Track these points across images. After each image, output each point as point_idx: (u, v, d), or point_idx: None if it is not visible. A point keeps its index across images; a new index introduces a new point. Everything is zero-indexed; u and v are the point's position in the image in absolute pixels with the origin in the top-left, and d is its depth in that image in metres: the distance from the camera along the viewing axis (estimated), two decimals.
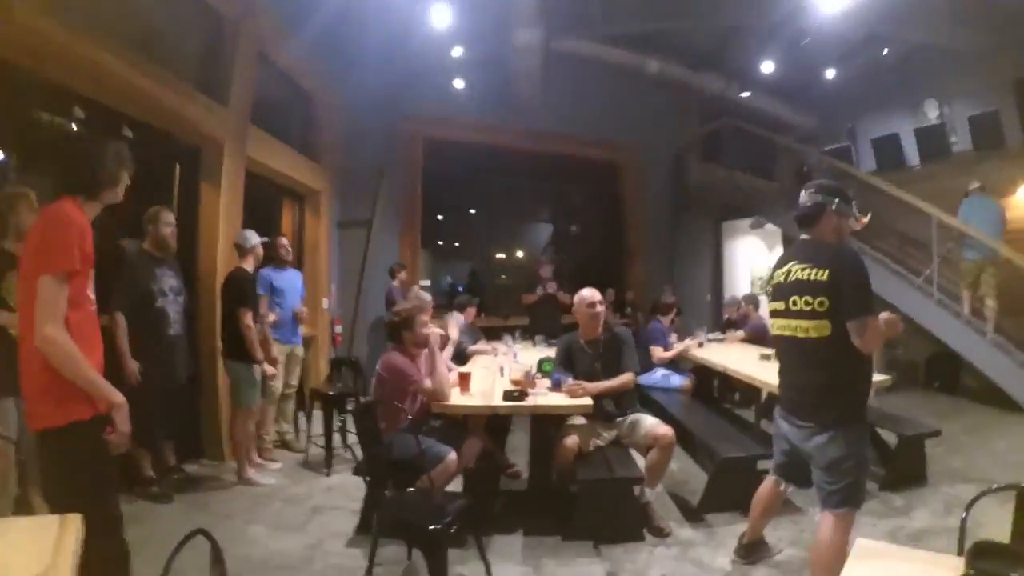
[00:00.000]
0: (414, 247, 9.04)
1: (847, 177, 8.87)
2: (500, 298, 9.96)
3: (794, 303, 2.69)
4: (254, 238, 4.75)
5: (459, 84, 8.90)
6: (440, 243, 11.99)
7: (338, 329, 7.69)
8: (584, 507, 3.62)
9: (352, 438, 5.45)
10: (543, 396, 3.82)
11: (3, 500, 2.80)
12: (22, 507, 2.90)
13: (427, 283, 8.93)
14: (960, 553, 1.72)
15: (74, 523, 1.61)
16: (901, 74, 10.22)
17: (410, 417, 3.60)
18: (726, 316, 8.16)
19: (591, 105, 10.08)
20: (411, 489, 3.18)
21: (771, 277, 2.94)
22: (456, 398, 3.77)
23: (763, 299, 8.18)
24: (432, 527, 2.61)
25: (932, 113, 10.03)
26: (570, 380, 3.93)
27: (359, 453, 5.13)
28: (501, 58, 8.58)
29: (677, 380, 6.24)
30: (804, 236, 2.88)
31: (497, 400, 3.72)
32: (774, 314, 2.89)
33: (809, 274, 2.65)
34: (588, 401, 3.73)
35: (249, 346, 4.47)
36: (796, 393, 2.81)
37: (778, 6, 8.38)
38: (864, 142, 11.00)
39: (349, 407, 5.21)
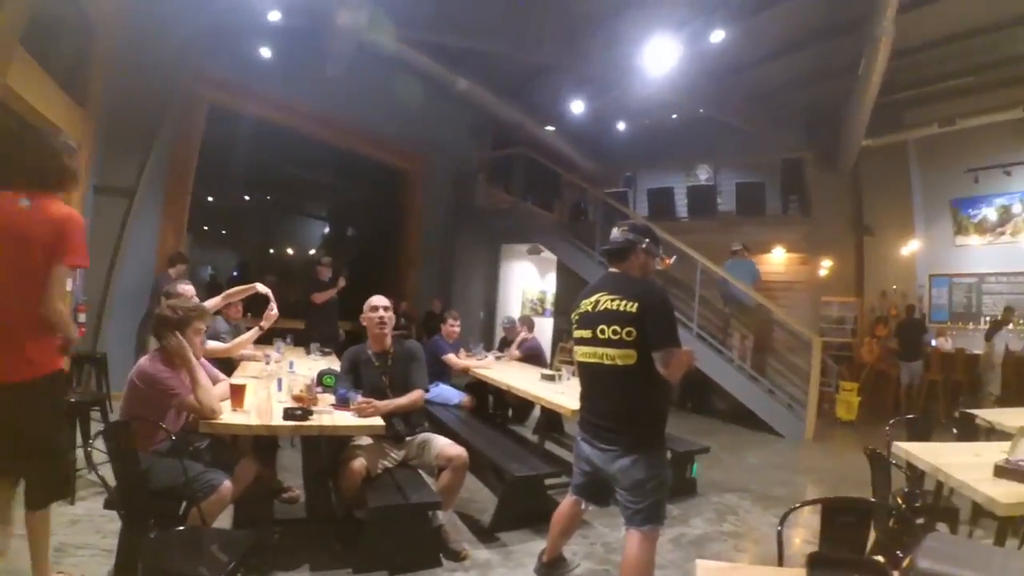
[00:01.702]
0: (179, 229, 7.77)
1: (624, 219, 9.73)
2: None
3: (602, 331, 2.80)
4: None
5: (265, 52, 8.15)
6: (205, 228, 10.86)
7: (82, 318, 6.36)
8: (375, 535, 3.36)
9: (100, 456, 4.60)
10: (328, 415, 3.40)
11: None
12: None
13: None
14: (780, 562, 2.05)
15: None
16: (682, 137, 11.86)
17: (172, 437, 2.97)
18: (503, 335, 8.38)
19: (391, 106, 9.96)
20: (180, 528, 2.67)
21: (577, 306, 3.02)
22: (228, 415, 3.18)
23: (537, 321, 8.67)
24: None
25: (703, 175, 11.67)
26: (359, 397, 3.61)
27: (110, 477, 4.38)
28: (313, 34, 8.09)
29: (456, 396, 6.27)
30: (613, 269, 3.01)
31: (277, 419, 3.21)
32: (580, 341, 2.96)
33: (619, 305, 2.77)
34: (380, 421, 3.43)
35: None
36: (600, 418, 2.89)
37: (604, 57, 9.19)
38: (641, 190, 12.32)
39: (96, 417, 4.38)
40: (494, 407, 7.18)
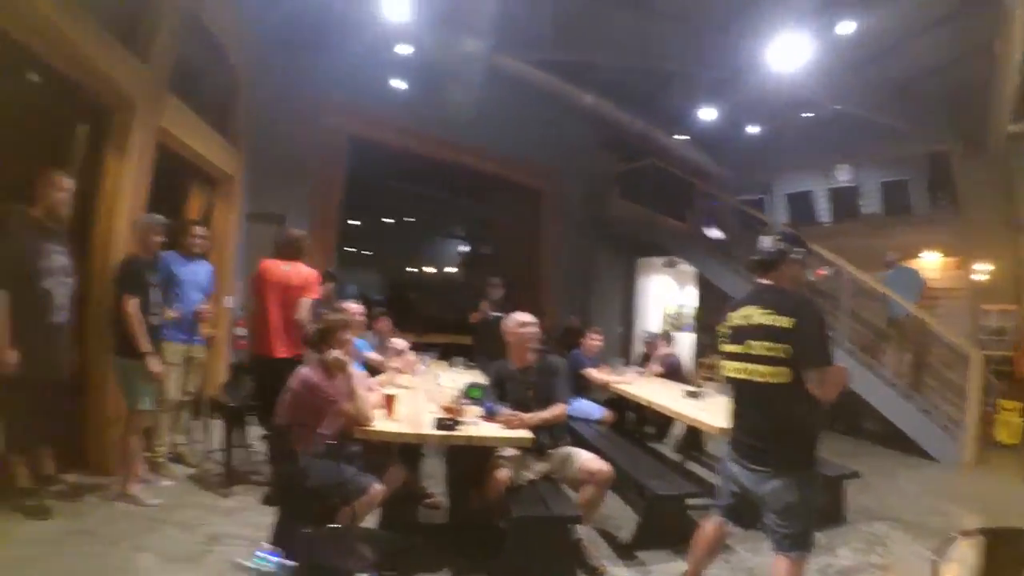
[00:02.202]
0: (328, 251, 8.35)
1: (762, 226, 9.27)
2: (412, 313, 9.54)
3: (752, 347, 2.70)
4: (144, 219, 4.21)
5: (399, 84, 8.57)
6: (350, 249, 11.48)
7: (241, 332, 6.92)
8: (516, 545, 3.33)
9: (256, 456, 4.92)
10: (476, 426, 3.53)
11: None
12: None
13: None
14: None
15: None
16: (819, 137, 11.00)
17: (330, 441, 3.19)
18: (644, 351, 8.18)
19: (522, 127, 10.09)
20: (332, 526, 2.80)
21: (726, 319, 2.91)
22: (381, 423, 3.39)
23: (675, 336, 8.38)
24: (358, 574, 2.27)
25: (843, 176, 10.79)
26: (505, 410, 3.68)
27: (263, 473, 4.66)
28: (443, 64, 8.35)
29: (597, 412, 6.13)
30: (763, 281, 2.87)
31: (428, 428, 3.37)
32: (729, 356, 2.85)
33: (772, 320, 2.65)
34: (528, 434, 3.50)
35: (132, 337, 3.88)
36: (751, 437, 2.77)
37: (730, 60, 8.78)
38: (778, 196, 11.61)
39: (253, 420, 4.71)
40: (634, 424, 6.99)
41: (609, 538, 4.12)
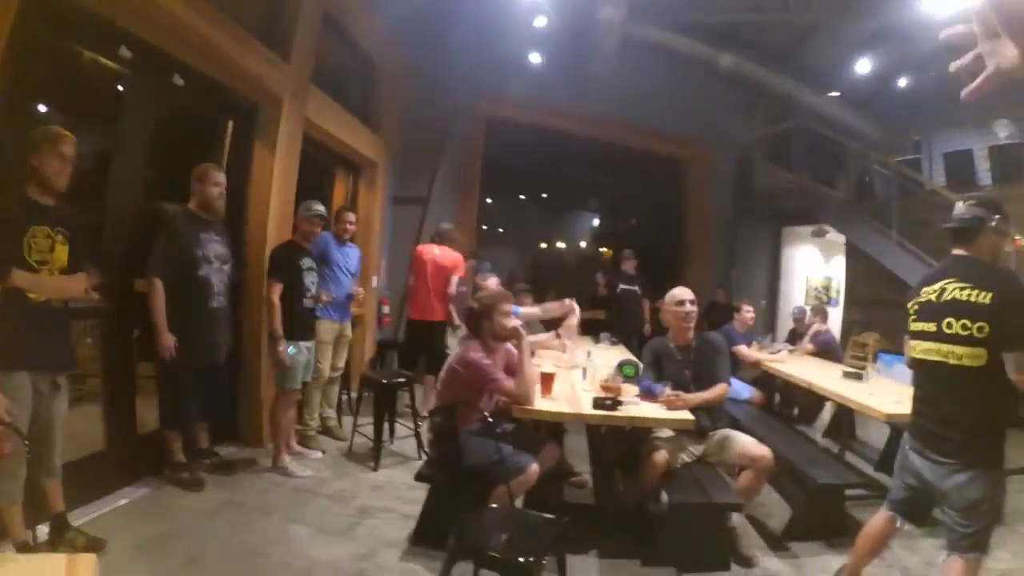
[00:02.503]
0: (470, 231, 8.52)
1: (920, 190, 8.49)
2: (548, 289, 9.50)
3: (948, 325, 2.44)
4: (304, 209, 4.45)
5: (535, 59, 8.52)
6: (484, 228, 11.63)
7: (385, 310, 7.30)
8: (670, 531, 3.26)
9: (401, 430, 5.11)
10: (636, 406, 3.42)
11: (13, 483, 2.49)
12: (30, 491, 2.61)
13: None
14: None
15: (87, 564, 1.53)
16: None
17: (489, 419, 3.15)
18: (793, 327, 7.77)
19: (660, 96, 9.60)
20: (496, 507, 2.80)
21: (917, 294, 2.67)
22: (539, 402, 3.36)
23: (828, 311, 7.79)
24: (524, 559, 2.20)
25: (1003, 132, 9.51)
26: (667, 390, 3.55)
27: (409, 449, 4.87)
28: (579, 34, 8.20)
29: (747, 391, 5.85)
30: (958, 251, 2.61)
31: (587, 408, 3.31)
32: (919, 335, 2.62)
33: (969, 295, 2.41)
34: (689, 415, 3.36)
35: (269, 321, 4.15)
36: (939, 426, 2.53)
37: (876, 6, 8.04)
38: (936, 155, 10.44)
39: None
40: (780, 404, 6.69)
41: (759, 526, 3.92)
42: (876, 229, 8.87)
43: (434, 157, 8.05)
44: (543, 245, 11.85)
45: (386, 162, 7.31)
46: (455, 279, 5.85)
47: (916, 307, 2.66)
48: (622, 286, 7.91)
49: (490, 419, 3.11)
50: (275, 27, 4.91)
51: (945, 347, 2.47)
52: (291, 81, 4.89)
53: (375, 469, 4.46)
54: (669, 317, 3.93)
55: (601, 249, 8.03)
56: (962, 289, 2.44)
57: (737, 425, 4.91)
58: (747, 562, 3.35)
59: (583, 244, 13.07)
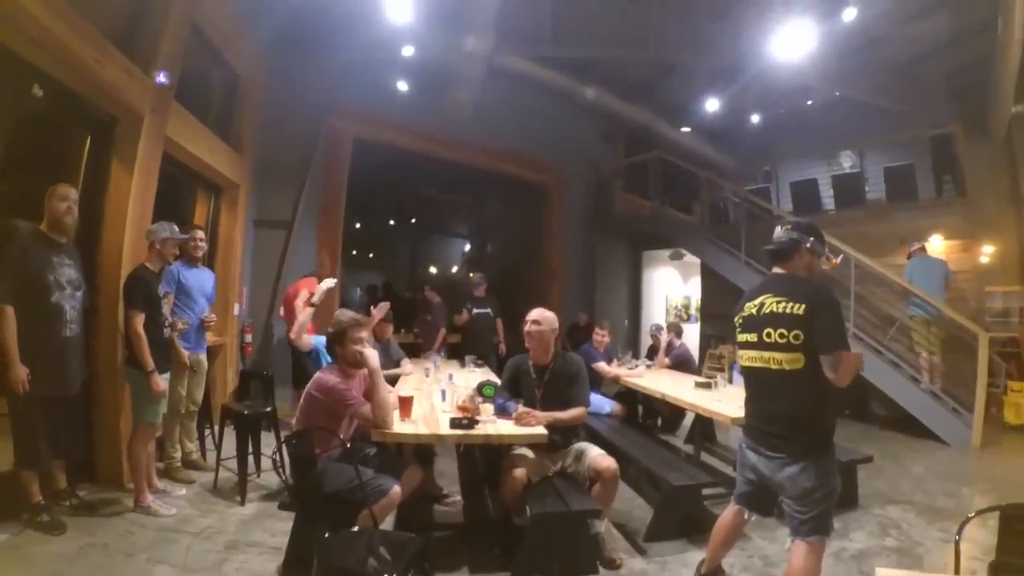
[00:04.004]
0: (334, 254, 8.32)
1: (769, 216, 9.27)
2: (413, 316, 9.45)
3: (768, 335, 2.73)
4: (163, 231, 4.15)
5: (402, 86, 8.57)
6: (354, 252, 11.47)
7: (248, 339, 6.99)
8: (535, 540, 3.34)
9: (266, 463, 4.92)
10: (493, 424, 3.50)
11: None
12: None
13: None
14: (956, 572, 1.92)
15: None
16: (820, 122, 10.96)
17: (347, 444, 3.17)
18: (652, 343, 8.19)
19: (523, 124, 10.05)
20: (354, 530, 2.78)
21: (741, 309, 2.94)
22: (398, 425, 3.37)
23: (684, 327, 8.35)
24: None
25: (847, 163, 10.74)
26: (519, 407, 3.63)
27: (275, 480, 4.70)
28: (445, 63, 8.37)
29: (608, 405, 6.16)
30: (777, 270, 2.92)
31: (444, 428, 3.37)
32: (745, 345, 2.90)
33: (785, 307, 2.69)
34: (542, 431, 3.45)
35: (138, 353, 3.91)
36: (767, 424, 2.80)
37: (730, 49, 8.78)
38: (783, 184, 11.55)
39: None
40: (643, 416, 7.02)
41: (625, 531, 4.12)
42: (727, 252, 9.65)
43: (298, 178, 7.84)
44: (416, 270, 11.87)
45: (248, 183, 7.04)
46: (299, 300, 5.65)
47: (741, 320, 2.92)
48: (475, 309, 8.05)
49: (347, 444, 3.12)
50: (137, 36, 4.64)
51: (767, 354, 2.73)
52: (153, 94, 4.64)
53: (242, 504, 4.29)
54: (526, 337, 4.04)
55: (471, 274, 8.17)
56: (779, 302, 2.72)
57: (596, 437, 5.16)
58: (611, 564, 3.51)
59: (455, 269, 13.21)
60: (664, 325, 8.24)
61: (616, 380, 6.31)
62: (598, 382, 6.42)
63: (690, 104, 10.79)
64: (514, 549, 3.39)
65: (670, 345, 7.44)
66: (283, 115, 7.48)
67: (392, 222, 11.32)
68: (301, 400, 3.36)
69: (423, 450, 4.29)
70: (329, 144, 8.27)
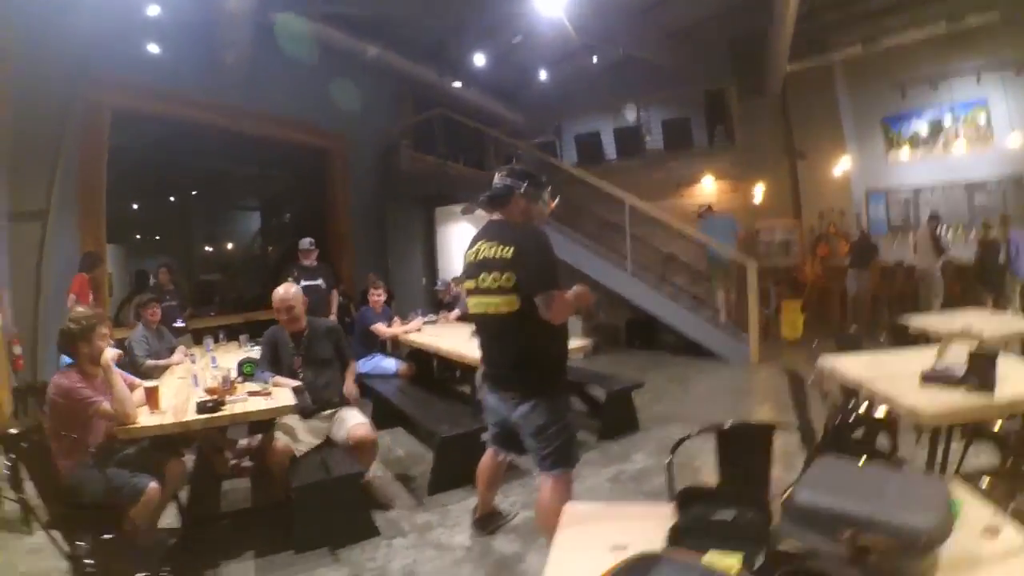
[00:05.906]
0: (99, 241, 7.54)
1: (553, 168, 10.04)
2: (211, 295, 9.06)
3: (483, 280, 2.80)
4: None
5: (154, 49, 7.92)
6: (137, 236, 10.74)
7: (18, 351, 6.24)
8: (305, 514, 3.44)
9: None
10: (242, 403, 3.46)
11: None
12: None
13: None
14: (671, 498, 1.69)
15: None
16: (606, 80, 12.13)
17: (92, 449, 3.05)
18: (440, 298, 8.47)
19: (302, 87, 9.77)
20: (109, 536, 2.75)
21: (465, 258, 3.02)
22: (144, 418, 3.21)
23: None
24: None
25: (631, 116, 11.93)
26: (274, 378, 3.82)
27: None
28: (206, 24, 7.89)
29: (394, 366, 6.31)
30: (494, 217, 2.94)
31: (191, 415, 3.26)
32: (468, 292, 2.99)
33: (495, 252, 2.75)
34: (288, 400, 3.54)
35: None
36: (496, 367, 2.93)
37: (495, 6, 9.16)
38: (568, 138, 12.48)
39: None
40: (438, 371, 7.14)
41: (411, 486, 4.35)
42: None
43: (51, 160, 7.00)
44: (208, 249, 11.25)
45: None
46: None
47: (463, 269, 3.03)
48: (303, 281, 7.15)
49: (91, 449, 3.05)
50: None
51: (485, 299, 2.80)
52: None
53: (31, 532, 3.85)
54: (275, 310, 4.18)
55: (300, 241, 7.67)
56: (491, 247, 2.76)
57: (381, 400, 5.51)
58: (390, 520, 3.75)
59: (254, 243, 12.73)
60: (449, 280, 8.53)
61: (394, 338, 6.48)
62: (383, 343, 6.60)
63: (476, 63, 11.19)
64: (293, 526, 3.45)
65: (457, 297, 7.70)
66: (33, 91, 6.61)
67: (172, 199, 10.64)
68: (47, 407, 3.17)
69: (207, 436, 4.19)
70: (84, 119, 7.40)
